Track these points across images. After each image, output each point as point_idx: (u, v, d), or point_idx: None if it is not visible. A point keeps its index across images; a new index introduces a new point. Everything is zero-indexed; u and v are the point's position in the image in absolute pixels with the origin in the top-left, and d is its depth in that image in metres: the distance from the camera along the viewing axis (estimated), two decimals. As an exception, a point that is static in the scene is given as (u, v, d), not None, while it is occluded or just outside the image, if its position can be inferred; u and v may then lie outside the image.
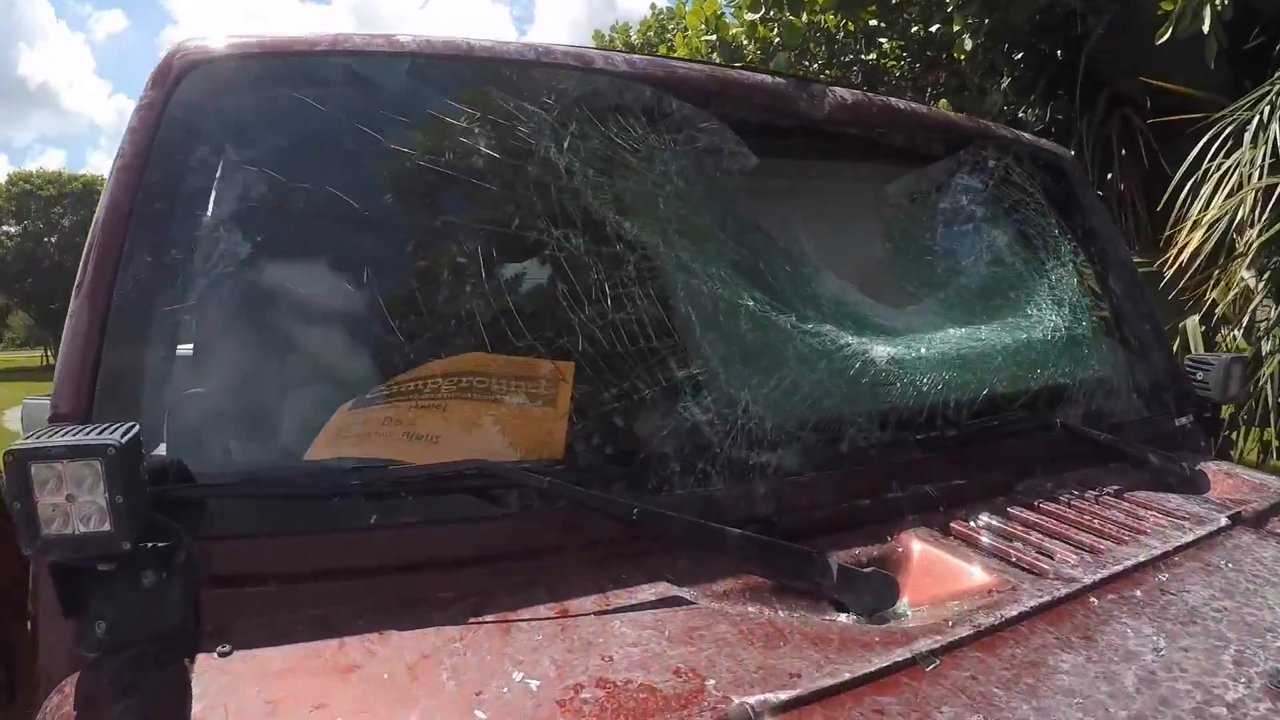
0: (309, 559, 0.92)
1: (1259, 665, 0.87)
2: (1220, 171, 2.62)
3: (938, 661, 0.82)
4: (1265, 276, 2.61)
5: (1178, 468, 1.38)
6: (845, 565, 0.96)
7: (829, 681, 0.77)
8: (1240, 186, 2.55)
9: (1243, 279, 2.55)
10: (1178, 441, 1.66)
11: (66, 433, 0.81)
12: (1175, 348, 2.62)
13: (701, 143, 1.37)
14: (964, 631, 0.87)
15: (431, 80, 1.20)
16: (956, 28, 3.59)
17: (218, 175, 1.10)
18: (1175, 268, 2.63)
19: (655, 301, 1.16)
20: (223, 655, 0.81)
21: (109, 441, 0.78)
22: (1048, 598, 0.95)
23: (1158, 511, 1.27)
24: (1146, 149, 2.81)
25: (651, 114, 1.32)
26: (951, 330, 1.38)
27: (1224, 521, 1.22)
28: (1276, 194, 2.45)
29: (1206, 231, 2.57)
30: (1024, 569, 1.05)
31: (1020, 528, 1.16)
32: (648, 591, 0.94)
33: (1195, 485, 1.38)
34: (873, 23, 4.12)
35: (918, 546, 1.08)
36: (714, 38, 4.90)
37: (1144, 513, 1.26)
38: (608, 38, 7.01)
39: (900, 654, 0.82)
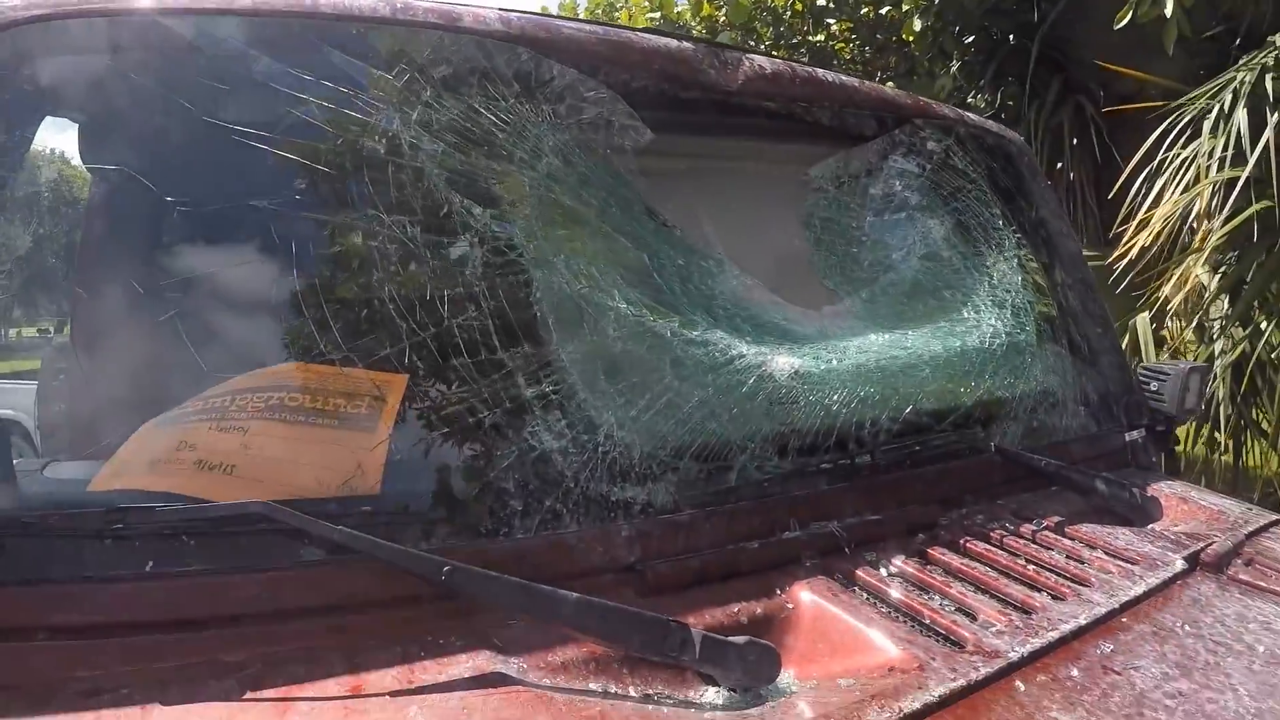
0: (80, 611, 0.75)
1: None
2: (1177, 162, 2.50)
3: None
4: (1220, 273, 2.49)
5: (1128, 494, 1.22)
6: (710, 635, 0.78)
7: None
8: (1198, 179, 2.43)
9: (1197, 276, 2.43)
10: (1127, 458, 1.51)
11: None
12: (1124, 346, 2.50)
13: (587, 115, 1.18)
14: None
15: (263, 41, 0.99)
16: (906, 8, 3.45)
17: (16, 152, 0.90)
18: (1127, 262, 2.50)
19: (504, 304, 0.96)
20: None
21: None
22: (961, 682, 0.77)
23: (1104, 552, 1.11)
24: (1099, 138, 2.69)
25: (528, 81, 1.13)
26: (873, 336, 1.21)
27: (1180, 565, 1.07)
28: (1238, 188, 2.33)
29: (1162, 225, 2.44)
30: (938, 635, 0.88)
31: (940, 576, 0.99)
32: (464, 664, 0.76)
33: (1147, 514, 1.24)
34: (821, 2, 3.97)
35: (810, 603, 0.90)
36: (658, 15, 4.72)
37: (1088, 554, 1.10)
38: (583, 8, 6.82)
39: None
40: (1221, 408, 2.47)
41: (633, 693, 0.77)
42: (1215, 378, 2.45)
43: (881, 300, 1.35)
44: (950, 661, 0.81)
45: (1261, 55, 2.45)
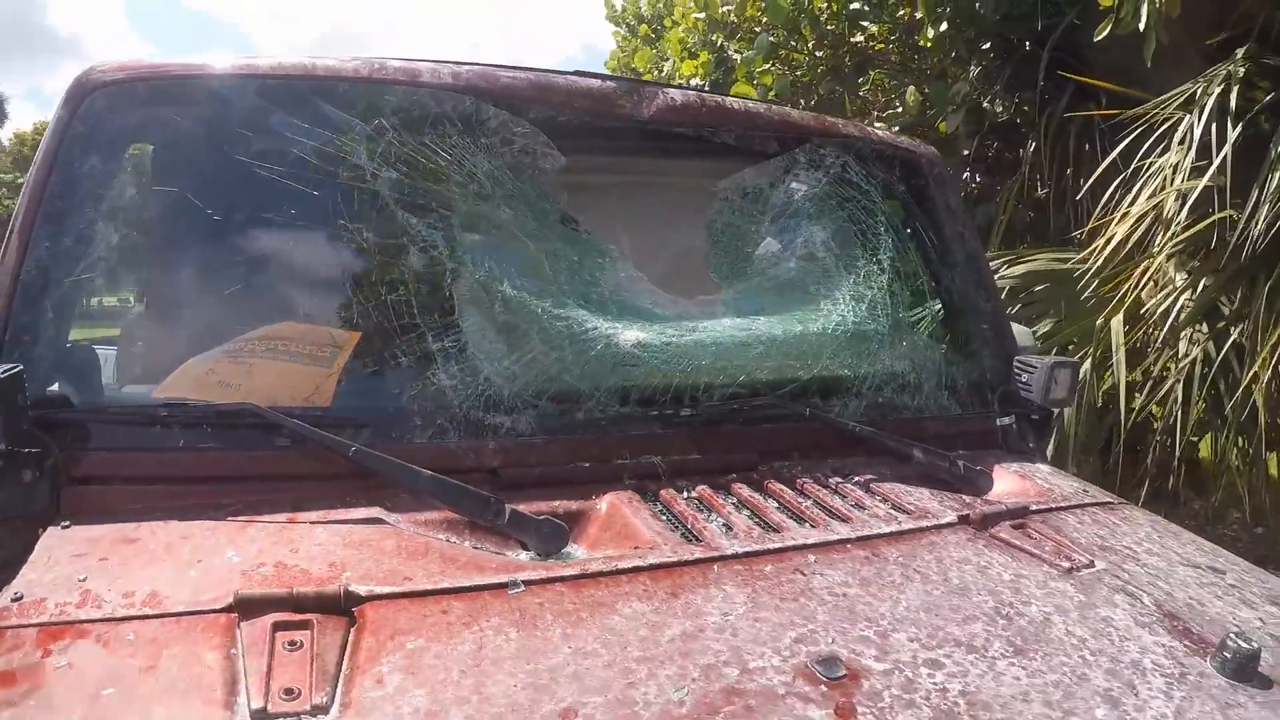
0: (137, 469, 1.25)
1: (819, 648, 0.92)
2: (1150, 171, 2.58)
3: (522, 589, 1.02)
4: (1187, 274, 2.55)
5: (948, 464, 1.49)
6: (517, 510, 1.19)
7: (421, 586, 1.01)
8: (1163, 187, 2.51)
9: (1168, 276, 2.52)
10: (999, 440, 1.78)
11: None
12: (1097, 349, 2.63)
13: (515, 146, 1.60)
14: (571, 571, 1.08)
15: (275, 97, 1.48)
16: (919, 15, 3.59)
17: (106, 178, 1.42)
18: (1094, 266, 2.62)
19: (424, 286, 1.41)
20: (64, 528, 1.14)
21: None
22: (670, 559, 1.09)
23: (887, 502, 1.38)
24: (1101, 146, 2.78)
25: (469, 121, 1.56)
26: (725, 321, 1.57)
27: (950, 519, 1.32)
28: (1194, 195, 2.41)
29: (1127, 231, 2.55)
30: (687, 534, 1.21)
31: (725, 501, 1.32)
32: (360, 513, 1.21)
33: (973, 484, 1.50)
34: (855, 5, 4.15)
35: (611, 505, 1.28)
36: (703, 15, 5.04)
37: (870, 502, 1.37)
38: (618, 7, 7.22)
39: (497, 578, 1.04)
40: (1192, 413, 2.54)
41: (467, 544, 1.20)
42: (1177, 379, 2.53)
43: (754, 293, 1.69)
44: (676, 548, 1.15)
45: (1227, 65, 2.49)
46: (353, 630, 0.93)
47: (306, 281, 1.46)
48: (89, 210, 1.38)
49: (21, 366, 1.19)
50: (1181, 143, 2.53)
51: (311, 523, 1.18)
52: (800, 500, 1.35)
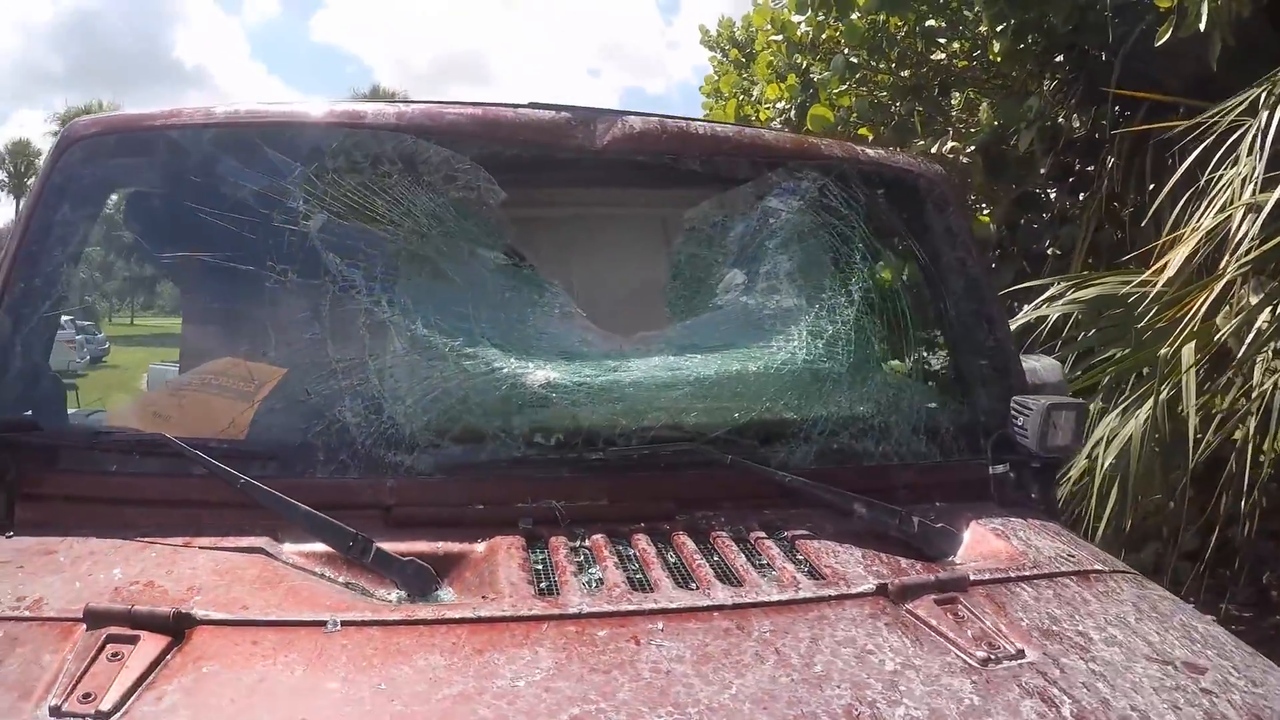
0: (75, 489, 1.33)
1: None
2: (1219, 185, 2.19)
3: (338, 628, 1.00)
4: (1263, 295, 2.13)
5: (898, 520, 1.32)
6: (383, 549, 1.16)
7: (250, 615, 1.01)
8: (1233, 200, 2.12)
9: (1242, 297, 2.11)
10: (989, 491, 1.56)
11: None
12: (1163, 382, 2.24)
13: (458, 183, 1.59)
14: (395, 616, 1.04)
15: (227, 144, 1.55)
16: (983, 28, 3.28)
17: (79, 225, 1.54)
18: (1156, 290, 2.25)
19: (338, 325, 1.42)
20: (7, 537, 1.24)
21: None
22: (498, 614, 1.03)
23: (804, 564, 1.22)
24: (1179, 161, 2.41)
25: (411, 160, 1.57)
26: (654, 359, 1.47)
27: (865, 588, 1.14)
28: (1266, 210, 2.01)
29: (1197, 244, 2.17)
30: (545, 589, 1.12)
31: (609, 554, 1.21)
32: (246, 542, 1.21)
33: (930, 542, 1.32)
34: (930, 23, 3.88)
35: (485, 550, 1.22)
36: (780, 37, 4.89)
37: (782, 563, 1.21)
38: (714, 33, 7.17)
39: (318, 615, 1.02)
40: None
41: (339, 580, 1.17)
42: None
43: (703, 329, 1.58)
44: (518, 602, 1.06)
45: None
46: (174, 650, 0.95)
47: (244, 319, 1.50)
48: (59, 254, 1.49)
49: None
50: (1251, 153, 2.16)
51: (200, 547, 1.21)
52: (699, 557, 1.23)
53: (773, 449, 1.46)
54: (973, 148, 3.57)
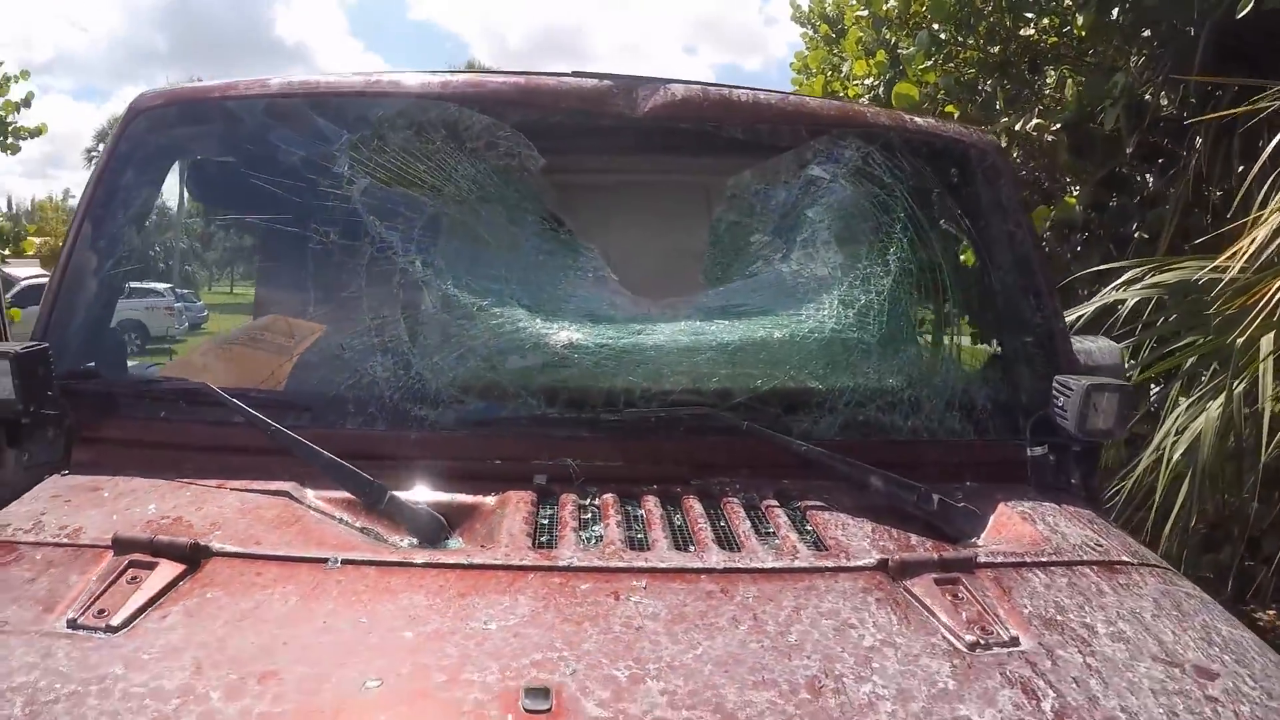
0: (126, 433, 1.42)
1: (549, 676, 0.83)
2: None
3: (338, 565, 1.04)
4: None
5: (916, 497, 1.26)
6: (398, 497, 1.19)
7: (260, 550, 1.06)
8: None
9: None
10: (1025, 473, 1.48)
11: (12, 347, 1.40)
12: (1239, 373, 2.03)
13: (500, 149, 1.60)
14: (391, 558, 1.07)
15: (280, 113, 1.61)
16: (1067, 2, 3.02)
17: (143, 190, 1.64)
18: (1232, 274, 2.03)
19: (374, 285, 1.46)
20: (62, 475, 1.34)
21: (13, 350, 1.34)
22: (487, 561, 1.05)
23: (809, 534, 1.18)
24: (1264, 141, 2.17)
25: (455, 127, 1.59)
26: (680, 324, 1.45)
27: (866, 562, 1.09)
28: None
29: (1275, 229, 1.95)
30: (543, 542, 1.13)
31: (615, 513, 1.21)
32: (274, 486, 1.27)
33: (951, 521, 1.25)
34: None
35: (495, 502, 1.24)
36: (866, 13, 4.68)
37: (787, 531, 1.18)
38: (805, 8, 6.96)
39: (317, 554, 1.06)
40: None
41: (356, 525, 1.22)
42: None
43: (736, 295, 1.55)
44: (511, 552, 1.07)
45: None
46: (186, 577, 1.01)
47: (291, 279, 1.57)
48: (121, 218, 1.58)
49: (47, 344, 1.40)
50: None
51: (231, 489, 1.27)
52: (704, 521, 1.21)
53: (795, 418, 1.42)
54: (1058, 125, 3.35)
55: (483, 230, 1.55)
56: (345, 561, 1.05)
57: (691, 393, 1.40)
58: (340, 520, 1.21)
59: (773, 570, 1.06)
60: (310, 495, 1.25)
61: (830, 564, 1.09)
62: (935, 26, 3.93)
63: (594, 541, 1.14)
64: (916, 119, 1.75)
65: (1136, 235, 2.98)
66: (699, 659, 0.87)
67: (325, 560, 1.05)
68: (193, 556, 1.04)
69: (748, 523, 1.21)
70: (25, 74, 8.27)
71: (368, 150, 1.55)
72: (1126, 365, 2.21)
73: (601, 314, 1.48)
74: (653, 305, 1.53)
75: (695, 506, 1.25)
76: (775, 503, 1.28)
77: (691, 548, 1.13)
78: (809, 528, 1.22)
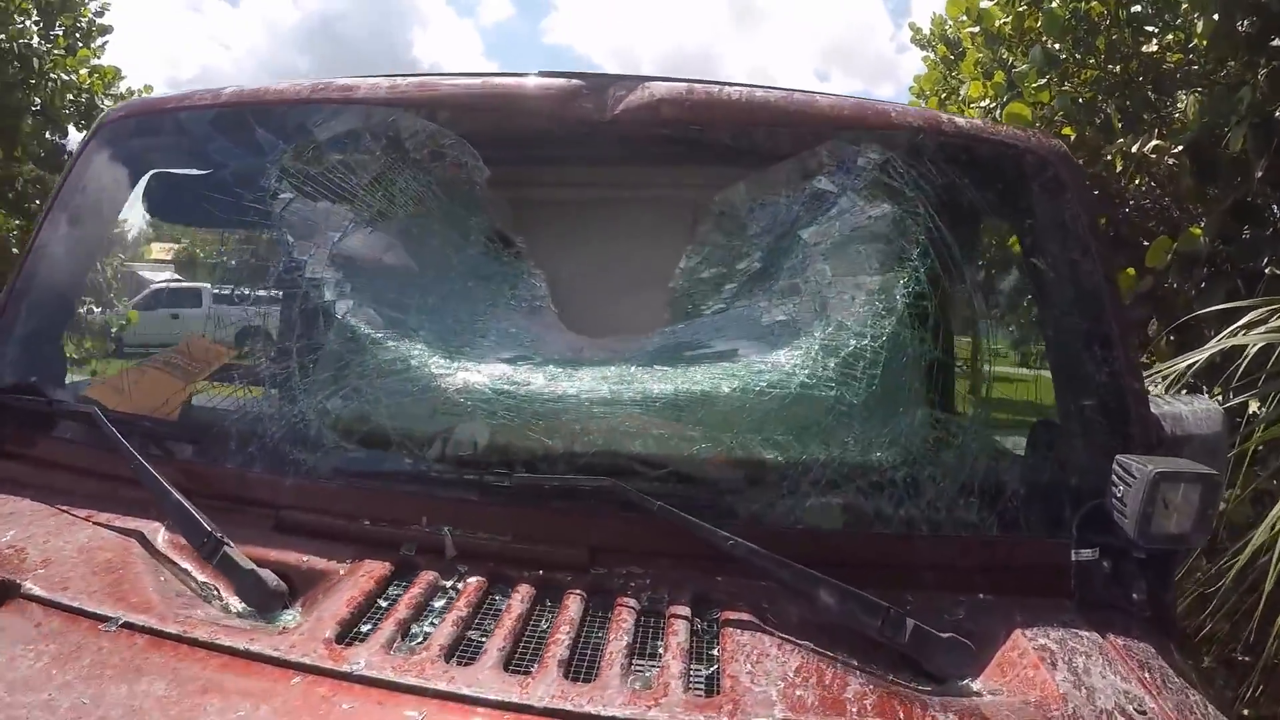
0: (42, 451, 1.28)
1: None
2: None
3: (115, 628, 0.86)
4: None
5: (880, 619, 0.87)
6: (230, 556, 0.96)
7: (57, 598, 0.91)
8: None
9: None
10: (1069, 587, 1.05)
11: None
12: None
13: (446, 159, 1.37)
14: (172, 629, 0.86)
15: (225, 125, 1.45)
16: (1185, 5, 2.40)
17: (101, 202, 1.52)
18: None
19: (279, 310, 1.25)
20: None
21: None
22: (257, 650, 0.83)
23: (695, 669, 0.84)
24: None
25: (397, 136, 1.37)
26: (606, 369, 1.13)
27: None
28: None
29: None
30: (343, 639, 0.87)
31: (465, 605, 0.93)
32: (133, 524, 1.08)
33: (930, 655, 0.88)
34: (1136, 9, 3.01)
35: (350, 574, 0.98)
36: (977, 29, 4.13)
37: (670, 661, 0.84)
38: (926, 32, 6.38)
39: (105, 611, 0.89)
40: None
41: (200, 578, 1.00)
42: None
43: (696, 334, 1.22)
44: (299, 641, 0.85)
45: None
46: None
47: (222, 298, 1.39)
48: (81, 231, 1.46)
49: None
50: None
51: (95, 522, 1.10)
52: (568, 630, 0.89)
53: (743, 498, 1.06)
54: (1179, 148, 2.75)
55: (411, 252, 1.31)
56: (126, 624, 0.86)
57: (606, 456, 1.07)
58: (181, 572, 1.00)
59: None
60: (161, 538, 1.05)
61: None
62: (1050, 43, 3.39)
63: (412, 642, 0.85)
64: (957, 119, 1.34)
65: (1268, 271, 2.36)
66: None
67: (106, 619, 0.86)
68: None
69: (629, 638, 0.87)
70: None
71: (303, 162, 1.35)
72: (1240, 429, 1.67)
73: (518, 353, 1.19)
74: (589, 345, 1.23)
75: (573, 606, 0.93)
76: (686, 611, 0.93)
77: (532, 668, 0.81)
78: (712, 654, 0.86)
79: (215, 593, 0.98)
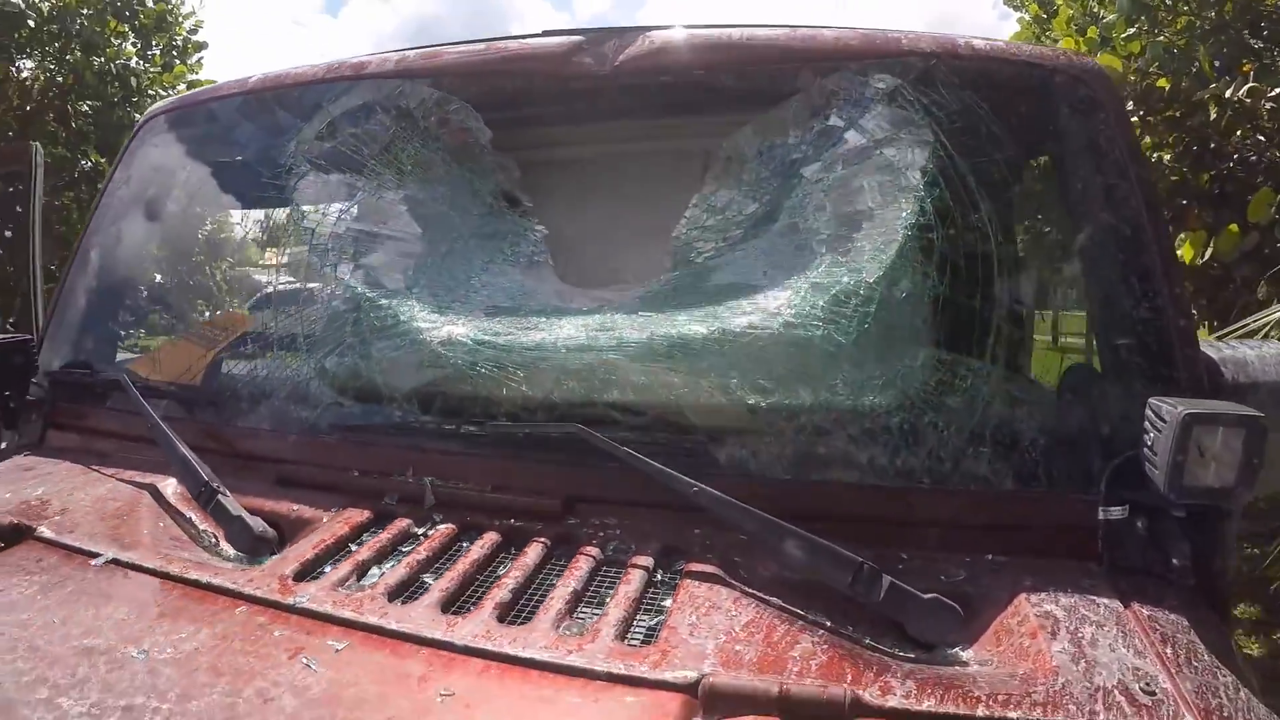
0: (75, 421, 1.36)
1: None
2: None
3: (105, 562, 0.91)
4: None
5: (851, 578, 0.78)
6: (223, 504, 0.98)
7: (64, 539, 0.97)
8: None
9: None
10: (1097, 549, 0.92)
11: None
12: None
13: (451, 124, 1.35)
14: (154, 564, 0.90)
15: (250, 110, 1.49)
16: None
17: (143, 195, 1.59)
18: None
19: (289, 275, 1.27)
20: (25, 455, 1.30)
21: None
22: (213, 583, 0.85)
23: (635, 619, 0.79)
24: None
25: (405, 106, 1.37)
26: (587, 318, 1.08)
27: (675, 678, 0.68)
28: None
29: None
30: (301, 577, 0.87)
31: (426, 551, 0.91)
32: (153, 478, 1.13)
33: (907, 616, 0.78)
34: None
35: (333, 521, 0.99)
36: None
37: (612, 610, 0.79)
38: None
39: (97, 549, 0.93)
40: None
41: (201, 526, 1.02)
42: None
43: (689, 282, 1.14)
44: (259, 577, 0.85)
45: None
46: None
47: (255, 274, 1.44)
48: (128, 221, 1.54)
49: (29, 337, 1.39)
50: None
51: (118, 479, 1.15)
52: (518, 575, 0.85)
53: (724, 445, 0.98)
54: (1275, 91, 2.40)
55: (417, 216, 1.30)
56: (113, 560, 0.90)
57: (581, 404, 1.01)
58: (184, 520, 1.03)
59: (517, 661, 0.70)
60: (170, 491, 1.09)
61: (619, 670, 0.68)
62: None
63: (365, 581, 0.84)
64: (976, 41, 1.20)
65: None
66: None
67: (95, 556, 0.91)
68: (12, 535, 0.98)
69: (578, 586, 0.81)
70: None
71: (319, 137, 1.36)
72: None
73: (506, 306, 1.15)
74: (580, 295, 1.18)
75: (532, 554, 0.88)
76: (648, 561, 0.86)
77: (469, 609, 0.77)
78: (663, 605, 0.79)
79: (212, 539, 1.00)
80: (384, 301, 1.15)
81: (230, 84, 1.55)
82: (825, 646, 0.72)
